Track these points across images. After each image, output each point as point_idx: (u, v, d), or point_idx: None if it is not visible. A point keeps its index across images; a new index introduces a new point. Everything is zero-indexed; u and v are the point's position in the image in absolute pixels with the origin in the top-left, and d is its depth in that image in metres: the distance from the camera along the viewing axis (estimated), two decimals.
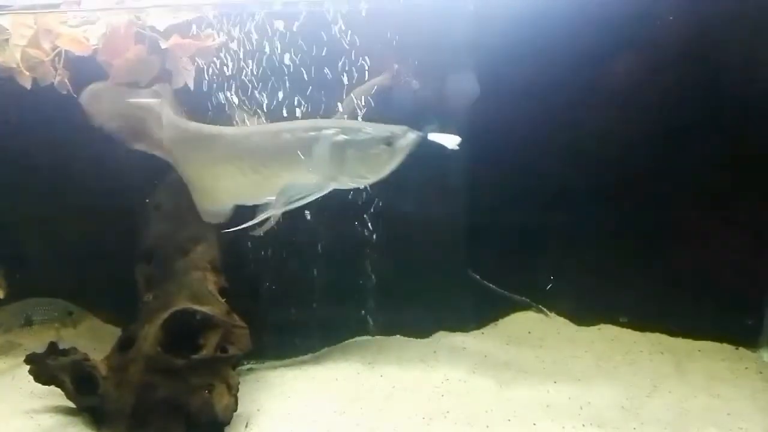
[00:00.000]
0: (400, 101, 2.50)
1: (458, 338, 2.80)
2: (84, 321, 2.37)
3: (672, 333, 2.75)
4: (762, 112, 2.51)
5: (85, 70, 2.31)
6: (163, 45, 2.30)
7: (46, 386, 2.27)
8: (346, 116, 2.48)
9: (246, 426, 2.21)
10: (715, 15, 2.40)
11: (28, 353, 2.28)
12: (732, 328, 2.70)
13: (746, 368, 2.56)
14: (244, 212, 2.26)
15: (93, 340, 2.56)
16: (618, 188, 2.63)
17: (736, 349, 2.69)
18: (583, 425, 2.18)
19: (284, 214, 2.29)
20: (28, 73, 2.29)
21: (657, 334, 2.76)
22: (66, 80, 2.30)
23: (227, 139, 2.25)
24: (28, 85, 2.29)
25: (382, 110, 2.45)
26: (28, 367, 2.26)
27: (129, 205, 2.49)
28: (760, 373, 2.53)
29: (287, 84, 2.41)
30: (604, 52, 2.51)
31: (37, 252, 2.71)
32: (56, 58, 2.30)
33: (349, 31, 2.33)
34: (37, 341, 2.48)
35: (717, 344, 2.71)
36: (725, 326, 2.70)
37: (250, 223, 2.19)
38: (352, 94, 2.47)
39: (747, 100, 2.49)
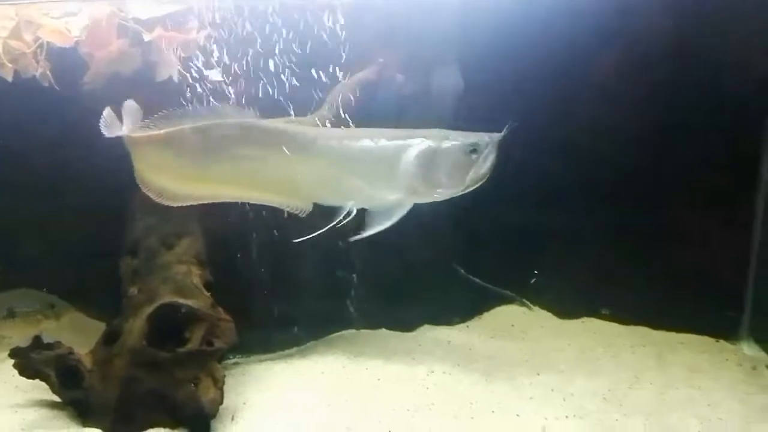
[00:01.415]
0: (384, 96, 2.50)
1: (443, 332, 2.83)
2: (66, 314, 2.36)
3: (654, 326, 2.79)
4: (745, 107, 2.55)
5: (67, 61, 2.29)
6: (147, 37, 2.28)
7: (31, 380, 2.26)
8: (330, 111, 2.49)
9: (232, 419, 2.21)
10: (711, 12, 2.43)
11: (11, 347, 2.27)
12: (713, 322, 2.74)
13: (726, 360, 2.60)
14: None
15: (75, 333, 2.55)
16: (601, 183, 2.65)
17: (717, 341, 2.73)
18: (566, 416, 2.21)
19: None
20: (9, 65, 2.26)
21: (639, 327, 2.81)
22: (48, 72, 2.28)
23: (316, 141, 2.23)
24: (9, 77, 2.26)
25: (367, 105, 2.46)
26: (11, 360, 2.25)
27: (114, 199, 2.47)
28: (740, 365, 2.57)
29: (270, 77, 2.40)
30: (595, 47, 2.53)
31: (22, 245, 2.69)
32: (38, 50, 2.27)
33: (335, 25, 2.33)
34: (19, 333, 2.46)
35: (698, 337, 2.75)
36: (706, 319, 2.74)
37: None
38: (336, 89, 2.47)
39: (726, 96, 2.52)
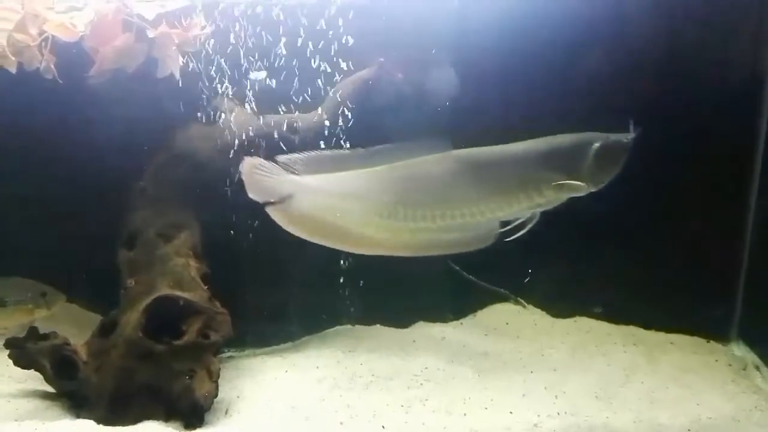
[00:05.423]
0: (384, 94, 2.55)
1: (437, 328, 2.86)
2: (57, 303, 2.35)
3: (645, 326, 2.82)
4: (737, 107, 2.60)
5: (72, 56, 2.32)
6: (151, 34, 2.31)
7: (25, 370, 2.26)
8: (330, 109, 2.53)
9: (226, 412, 2.22)
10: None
11: (3, 336, 2.27)
12: (704, 322, 2.77)
13: (716, 361, 2.63)
14: None
15: (66, 323, 2.52)
16: None
17: (708, 342, 2.76)
18: (558, 413, 2.22)
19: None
20: (13, 58, 2.29)
21: (631, 327, 2.83)
22: (52, 65, 2.30)
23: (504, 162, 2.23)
24: (13, 70, 2.29)
25: (366, 103, 2.50)
26: (4, 350, 2.25)
27: (112, 190, 2.49)
28: (730, 365, 2.60)
29: (273, 76, 2.45)
30: (588, 45, 2.59)
31: (16, 234, 2.69)
32: (43, 43, 2.30)
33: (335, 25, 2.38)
34: (11, 323, 2.44)
35: (689, 337, 2.77)
36: (697, 320, 2.77)
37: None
38: (337, 87, 2.52)
39: (714, 98, 2.58)
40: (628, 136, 2.21)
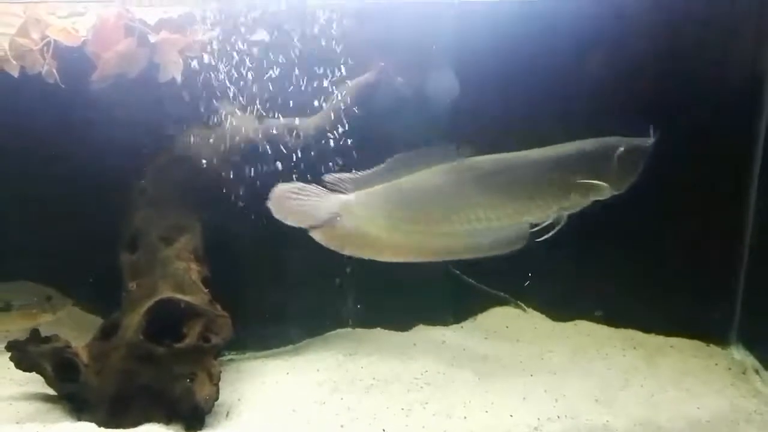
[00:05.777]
0: (385, 99, 2.55)
1: (437, 332, 2.86)
2: (63, 307, 2.36)
3: (645, 329, 2.82)
4: (738, 108, 2.60)
5: (74, 60, 2.33)
6: (152, 39, 2.32)
7: (27, 373, 2.27)
8: (331, 112, 2.54)
9: (227, 415, 2.23)
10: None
11: (8, 340, 2.28)
12: (703, 326, 2.76)
13: (716, 364, 2.63)
14: None
15: (72, 327, 2.55)
16: None
17: (707, 345, 2.76)
18: (558, 417, 2.23)
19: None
20: (15, 62, 2.30)
21: (630, 330, 2.84)
22: (54, 70, 2.32)
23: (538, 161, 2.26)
24: (15, 73, 2.30)
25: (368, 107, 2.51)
26: (7, 353, 2.26)
27: (113, 193, 2.50)
28: (729, 369, 2.60)
29: (273, 82, 2.46)
30: (587, 46, 2.59)
31: (21, 237, 2.71)
32: (45, 48, 2.31)
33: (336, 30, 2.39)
34: (16, 327, 2.45)
35: (688, 341, 2.77)
36: (697, 323, 2.76)
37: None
38: (338, 91, 2.52)
39: (713, 98, 2.59)
40: (648, 141, 2.24)
